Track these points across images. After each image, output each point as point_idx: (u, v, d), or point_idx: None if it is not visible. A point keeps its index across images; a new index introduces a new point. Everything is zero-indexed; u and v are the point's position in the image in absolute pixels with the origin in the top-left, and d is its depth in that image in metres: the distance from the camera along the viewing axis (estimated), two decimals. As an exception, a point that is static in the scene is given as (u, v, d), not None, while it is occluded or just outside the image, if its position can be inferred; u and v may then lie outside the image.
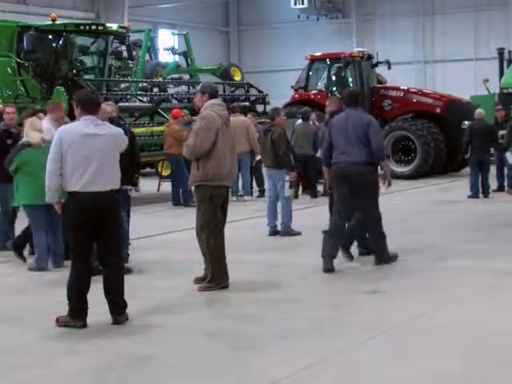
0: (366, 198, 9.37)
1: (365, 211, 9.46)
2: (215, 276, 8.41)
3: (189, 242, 11.21)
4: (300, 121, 17.92)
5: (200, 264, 8.69)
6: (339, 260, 10.05)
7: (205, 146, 8.18)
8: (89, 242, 7.01)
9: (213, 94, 8.44)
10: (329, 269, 9.16)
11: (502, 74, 24.78)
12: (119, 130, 7.32)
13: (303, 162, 17.19)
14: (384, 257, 9.48)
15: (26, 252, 10.42)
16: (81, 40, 18.74)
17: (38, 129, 9.91)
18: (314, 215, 14.04)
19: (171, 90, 21.11)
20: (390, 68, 23.35)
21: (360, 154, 9.24)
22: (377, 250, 9.53)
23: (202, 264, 8.78)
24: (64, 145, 6.87)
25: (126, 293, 7.16)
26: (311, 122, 17.86)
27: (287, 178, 11.68)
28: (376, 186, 9.48)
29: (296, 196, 16.02)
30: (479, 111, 17.00)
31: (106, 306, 7.08)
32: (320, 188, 17.21)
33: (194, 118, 17.06)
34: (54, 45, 18.16)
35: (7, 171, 10.83)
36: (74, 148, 6.86)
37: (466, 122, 19.24)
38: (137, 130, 14.56)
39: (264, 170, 13.99)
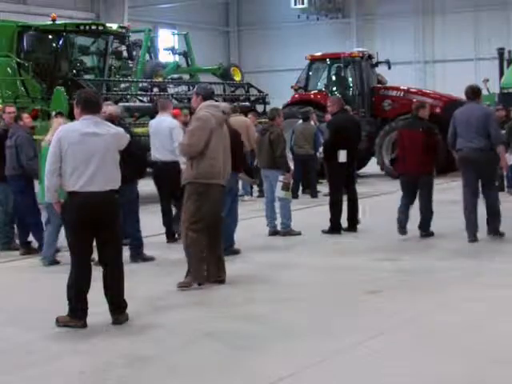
0: (488, 178, 10.98)
1: (489, 189, 11.01)
2: (191, 271, 8.52)
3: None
4: (300, 121, 17.91)
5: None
6: (340, 260, 10.06)
7: (199, 145, 8.35)
8: (88, 241, 7.01)
9: (207, 96, 8.63)
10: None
11: (501, 74, 24.75)
12: (120, 130, 7.32)
13: (303, 162, 17.17)
14: (497, 230, 11.01)
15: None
16: (81, 40, 18.72)
17: (55, 128, 9.85)
18: (313, 215, 14.04)
19: (171, 89, 21.08)
20: (389, 68, 23.33)
21: (482, 141, 10.73)
22: (494, 222, 11.00)
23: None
24: (63, 145, 6.86)
25: (126, 293, 7.16)
26: (312, 122, 17.85)
27: (281, 177, 11.67)
28: (495, 168, 11.26)
29: (296, 196, 16.01)
30: None
31: (106, 306, 7.08)
32: (320, 188, 17.20)
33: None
34: (53, 45, 18.15)
35: (4, 171, 10.88)
36: (74, 148, 6.85)
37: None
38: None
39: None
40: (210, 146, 8.38)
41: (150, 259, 10.14)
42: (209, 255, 8.69)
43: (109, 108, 10.22)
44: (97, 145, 6.89)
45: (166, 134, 11.30)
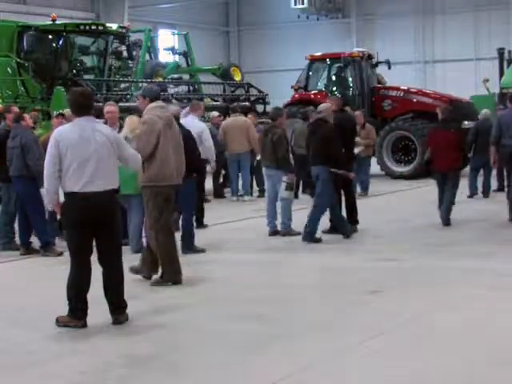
0: None
1: None
2: (166, 272, 8.62)
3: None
4: (300, 121, 17.89)
5: (199, 263, 8.71)
6: (340, 260, 10.07)
7: (147, 149, 8.46)
8: (88, 241, 7.01)
9: (153, 98, 8.71)
10: None
11: (501, 74, 24.75)
12: (112, 130, 7.37)
13: (303, 162, 17.13)
14: None
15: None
16: (81, 40, 18.76)
17: (131, 127, 10.23)
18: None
19: (171, 89, 21.10)
20: (389, 68, 23.32)
21: None
22: None
23: (202, 263, 8.81)
24: (62, 147, 6.85)
25: (126, 293, 7.16)
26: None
27: (284, 178, 11.70)
28: None
29: (296, 196, 15.99)
30: (485, 111, 16.99)
31: (106, 306, 7.08)
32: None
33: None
34: (53, 45, 18.18)
35: (7, 172, 10.84)
36: (73, 149, 6.84)
37: (466, 122, 19.21)
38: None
39: (263, 170, 13.96)
40: (159, 148, 8.49)
41: (202, 251, 10.45)
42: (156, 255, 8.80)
43: (171, 108, 10.67)
44: (95, 145, 6.88)
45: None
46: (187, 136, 10.50)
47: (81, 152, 6.85)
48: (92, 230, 6.94)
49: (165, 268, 8.63)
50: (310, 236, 11.22)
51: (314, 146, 11.52)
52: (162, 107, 8.71)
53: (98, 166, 6.88)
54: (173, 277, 8.62)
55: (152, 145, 8.45)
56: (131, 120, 10.64)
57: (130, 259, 8.81)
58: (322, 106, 12.00)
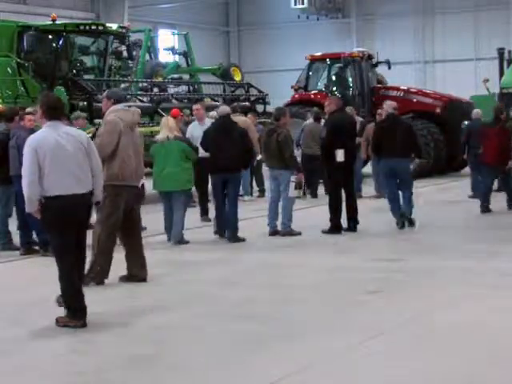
0: None
1: None
2: (95, 268, 8.59)
3: (190, 242, 11.22)
4: (310, 120, 17.89)
5: (199, 263, 8.70)
6: (340, 260, 10.07)
7: (107, 148, 8.58)
8: (73, 242, 7.05)
9: (118, 100, 8.88)
10: None
11: (501, 74, 24.74)
12: (82, 132, 7.51)
13: (311, 162, 17.07)
14: None
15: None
16: (81, 40, 18.74)
17: (170, 127, 11.20)
18: (314, 215, 14.04)
19: (171, 89, 21.09)
20: (389, 68, 23.32)
21: None
22: None
23: (202, 263, 8.79)
24: (40, 153, 6.87)
25: (126, 294, 7.16)
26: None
27: (293, 178, 11.72)
28: None
29: (298, 196, 15.97)
30: (476, 111, 17.00)
31: (106, 306, 7.09)
32: (319, 188, 17.17)
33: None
34: (53, 45, 18.16)
35: (8, 173, 10.86)
36: (51, 154, 6.89)
37: (466, 122, 19.20)
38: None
39: (264, 170, 13.98)
40: (120, 148, 8.60)
41: (243, 240, 11.37)
42: (130, 256, 8.80)
43: (222, 108, 11.75)
44: (71, 149, 6.96)
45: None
46: (242, 134, 11.62)
47: (60, 156, 6.92)
48: (76, 230, 7.00)
49: (94, 265, 8.58)
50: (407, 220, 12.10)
51: (399, 138, 12.06)
52: (124, 110, 8.84)
53: (77, 169, 6.99)
54: (102, 276, 8.64)
55: (113, 145, 8.57)
56: (169, 120, 11.37)
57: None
58: (395, 104, 12.76)
